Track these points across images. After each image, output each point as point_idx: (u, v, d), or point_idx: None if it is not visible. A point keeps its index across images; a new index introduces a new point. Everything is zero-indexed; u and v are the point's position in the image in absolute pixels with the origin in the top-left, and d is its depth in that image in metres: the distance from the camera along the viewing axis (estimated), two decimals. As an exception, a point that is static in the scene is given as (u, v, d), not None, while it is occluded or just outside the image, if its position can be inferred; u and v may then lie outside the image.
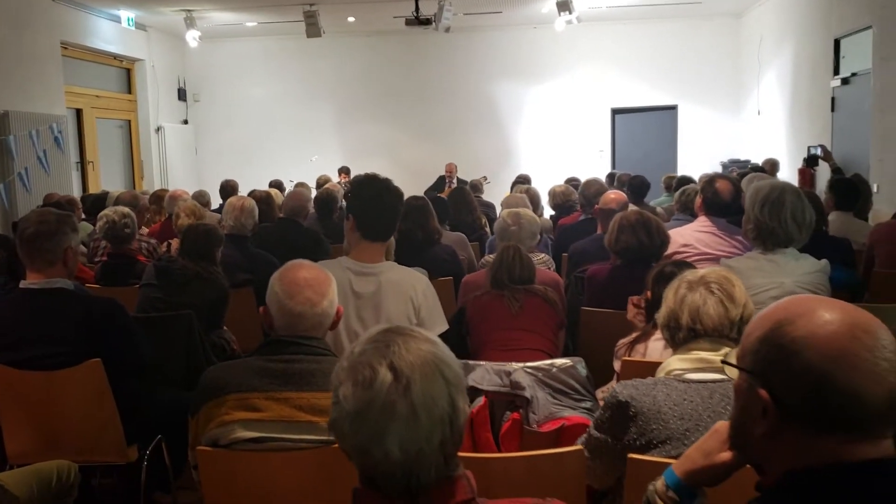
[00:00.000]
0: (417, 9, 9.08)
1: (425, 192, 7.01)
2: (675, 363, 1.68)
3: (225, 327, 3.62)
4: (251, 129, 11.94)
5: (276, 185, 7.98)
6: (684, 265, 2.29)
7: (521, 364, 2.54)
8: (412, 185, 8.16)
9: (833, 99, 7.61)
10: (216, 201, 7.25)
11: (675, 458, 1.31)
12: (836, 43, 7.53)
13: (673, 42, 11.14)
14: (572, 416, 2.37)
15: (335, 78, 11.87)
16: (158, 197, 6.19)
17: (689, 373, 1.64)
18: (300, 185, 7.60)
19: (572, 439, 2.03)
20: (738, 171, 7.19)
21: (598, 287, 3.24)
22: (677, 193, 4.85)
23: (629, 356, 2.35)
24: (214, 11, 9.90)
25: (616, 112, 11.62)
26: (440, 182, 9.62)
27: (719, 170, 9.25)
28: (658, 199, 6.86)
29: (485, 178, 9.17)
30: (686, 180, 6.06)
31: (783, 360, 0.94)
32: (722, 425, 1.16)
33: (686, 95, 11.31)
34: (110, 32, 9.73)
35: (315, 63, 11.73)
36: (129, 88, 10.73)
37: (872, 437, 0.93)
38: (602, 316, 3.09)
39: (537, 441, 2.35)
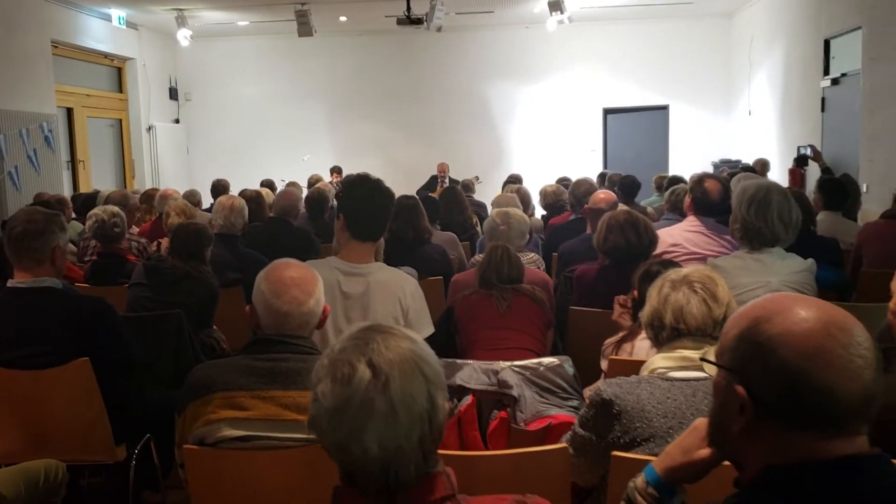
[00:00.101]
0: (409, 8, 9.08)
1: (417, 192, 7.01)
2: (659, 362, 1.69)
3: (215, 327, 3.62)
4: (243, 128, 11.92)
5: (268, 184, 7.97)
6: (670, 264, 2.30)
7: (508, 363, 2.55)
8: (404, 184, 8.17)
9: (823, 99, 7.65)
10: (208, 201, 7.23)
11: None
12: (826, 43, 7.57)
13: (664, 42, 11.17)
14: (559, 415, 2.38)
15: (327, 77, 11.87)
16: (149, 196, 6.17)
17: (673, 371, 1.65)
18: (291, 184, 7.59)
19: (559, 437, 2.04)
20: (729, 171, 7.23)
21: (587, 286, 3.25)
22: (667, 193, 4.87)
23: (616, 355, 2.36)
24: (206, 10, 9.88)
25: (608, 112, 11.66)
26: (432, 182, 9.63)
27: (710, 170, 9.29)
28: (649, 199, 6.89)
29: (477, 177, 9.18)
30: (676, 180, 6.08)
31: (759, 357, 0.96)
32: (701, 422, 1.17)
33: (677, 95, 11.35)
34: (101, 31, 9.69)
35: (307, 62, 11.72)
36: (121, 87, 10.69)
37: (847, 434, 0.94)
38: (590, 315, 3.10)
39: (525, 439, 2.36)
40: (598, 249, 3.25)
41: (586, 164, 10.67)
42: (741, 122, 10.73)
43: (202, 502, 1.87)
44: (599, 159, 11.50)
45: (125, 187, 9.58)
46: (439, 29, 9.44)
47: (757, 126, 10.00)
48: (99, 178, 9.75)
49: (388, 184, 2.59)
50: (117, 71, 10.63)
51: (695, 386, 1.60)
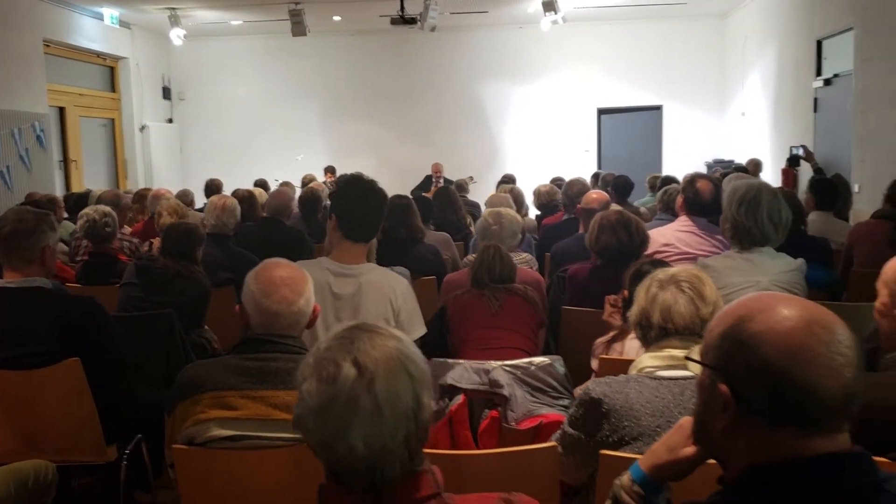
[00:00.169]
0: (403, 8, 9.08)
1: (412, 192, 7.01)
2: (647, 361, 1.70)
3: (206, 327, 3.61)
4: (237, 128, 11.90)
5: (261, 184, 7.96)
6: (660, 264, 2.31)
7: (499, 362, 2.55)
8: (398, 184, 8.17)
9: (815, 100, 7.68)
10: (201, 200, 7.22)
11: (647, 454, 1.31)
12: (819, 44, 7.60)
13: (658, 42, 11.20)
14: (550, 414, 2.39)
15: (321, 77, 11.86)
16: (141, 196, 6.16)
17: (661, 370, 1.66)
18: (285, 184, 7.59)
19: (550, 436, 2.05)
20: (722, 171, 7.25)
21: (579, 286, 3.25)
22: (659, 193, 4.88)
23: (606, 355, 2.37)
24: (199, 10, 9.86)
25: (602, 112, 11.68)
26: (427, 182, 9.64)
27: (704, 170, 9.32)
28: (642, 199, 6.90)
29: (471, 177, 9.19)
30: (669, 180, 6.10)
31: (742, 356, 0.96)
32: (686, 421, 1.17)
33: (671, 96, 11.38)
34: (94, 30, 9.66)
35: (301, 62, 11.71)
36: (113, 87, 10.66)
37: (829, 431, 0.94)
38: (582, 315, 3.10)
39: (516, 438, 2.36)
40: (590, 249, 3.26)
41: (580, 164, 10.69)
42: (734, 122, 10.76)
43: (192, 502, 1.87)
44: (593, 159, 11.52)
45: (118, 187, 9.56)
46: (433, 29, 9.45)
47: (750, 126, 10.04)
48: (91, 177, 9.72)
49: (382, 184, 2.59)
50: (110, 70, 10.60)
51: (683, 385, 1.61)
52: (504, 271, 2.95)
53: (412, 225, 3.98)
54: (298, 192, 6.84)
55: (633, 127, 11.64)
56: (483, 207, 5.83)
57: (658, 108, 11.53)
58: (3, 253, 2.59)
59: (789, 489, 0.93)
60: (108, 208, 4.11)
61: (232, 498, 1.82)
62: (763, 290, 2.53)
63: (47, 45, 8.63)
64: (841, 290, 3.83)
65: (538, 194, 6.28)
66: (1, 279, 2.61)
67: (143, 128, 10.88)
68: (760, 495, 0.95)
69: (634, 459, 1.29)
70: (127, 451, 2.74)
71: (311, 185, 7.11)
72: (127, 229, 5.25)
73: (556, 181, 7.18)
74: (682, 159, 10.74)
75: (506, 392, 2.46)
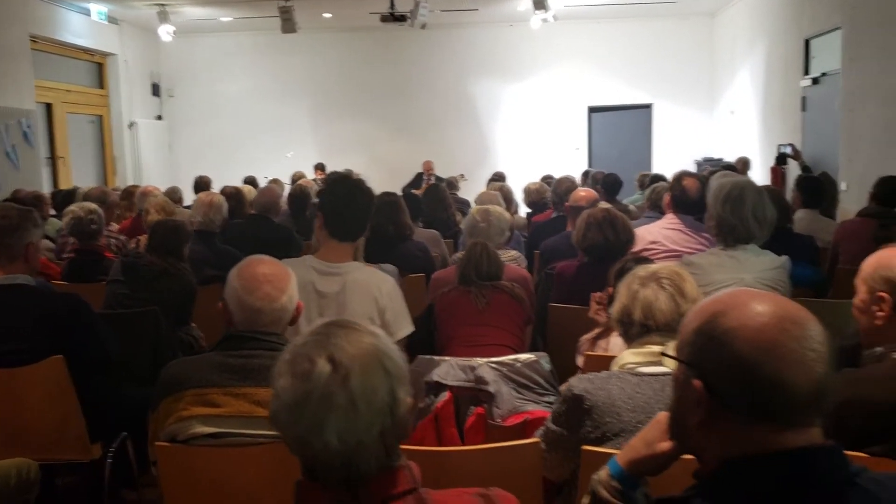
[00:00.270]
0: (393, 5, 9.07)
1: (402, 190, 7.01)
2: (629, 357, 1.71)
3: (193, 324, 3.60)
4: (227, 125, 11.85)
5: (250, 181, 7.93)
6: (644, 261, 2.31)
7: (485, 359, 2.56)
8: (389, 181, 8.17)
9: (804, 98, 7.72)
10: (190, 198, 7.18)
11: (627, 450, 1.32)
12: (807, 43, 7.64)
13: (648, 41, 11.24)
14: (535, 410, 2.39)
15: (311, 74, 11.83)
16: (129, 193, 6.13)
17: (642, 366, 1.67)
18: (274, 181, 7.57)
19: (535, 433, 2.05)
20: (711, 169, 7.28)
21: (566, 283, 3.26)
22: (647, 191, 4.90)
23: (592, 351, 2.37)
24: (188, 6, 9.81)
25: (592, 110, 11.70)
26: (418, 179, 9.65)
27: (693, 168, 9.36)
28: (631, 197, 6.92)
29: (462, 175, 9.20)
30: (658, 178, 6.12)
31: (715, 351, 0.97)
32: (663, 416, 1.18)
33: (661, 94, 11.42)
34: (81, 26, 9.60)
35: (291, 59, 11.67)
36: (101, 83, 10.60)
37: (801, 426, 0.95)
38: (569, 312, 3.11)
39: (501, 435, 2.36)
40: (577, 247, 3.27)
41: (571, 162, 10.72)
42: (724, 120, 10.80)
43: (175, 499, 1.87)
44: (584, 157, 11.55)
45: (106, 184, 9.50)
46: (423, 26, 9.44)
47: (739, 125, 10.08)
48: (80, 174, 9.67)
49: (372, 181, 2.60)
50: (98, 66, 10.54)
51: (663, 381, 1.61)
52: (491, 269, 2.95)
53: (400, 222, 3.98)
54: (288, 189, 6.83)
55: (623, 125, 11.68)
56: (473, 205, 5.84)
57: (648, 107, 11.56)
58: (-15, 250, 2.57)
59: (762, 483, 0.94)
60: (93, 205, 4.09)
61: (215, 495, 1.82)
62: (747, 287, 2.55)
63: (34, 41, 8.56)
64: (827, 287, 3.86)
65: (528, 192, 6.29)
66: (-16, 276, 2.58)
67: (131, 125, 10.82)
68: (733, 489, 0.95)
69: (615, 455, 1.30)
70: (112, 449, 2.73)
71: (300, 182, 7.09)
72: (115, 226, 5.22)
73: (547, 179, 7.20)
74: (672, 157, 10.78)
75: (491, 389, 2.46)
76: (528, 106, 11.65)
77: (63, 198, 6.22)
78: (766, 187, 3.85)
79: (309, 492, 1.05)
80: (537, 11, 9.29)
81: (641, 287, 1.72)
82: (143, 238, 4.31)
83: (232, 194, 5.15)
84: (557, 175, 6.77)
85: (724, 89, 10.79)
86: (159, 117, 11.81)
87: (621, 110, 11.64)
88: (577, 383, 1.67)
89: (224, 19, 10.86)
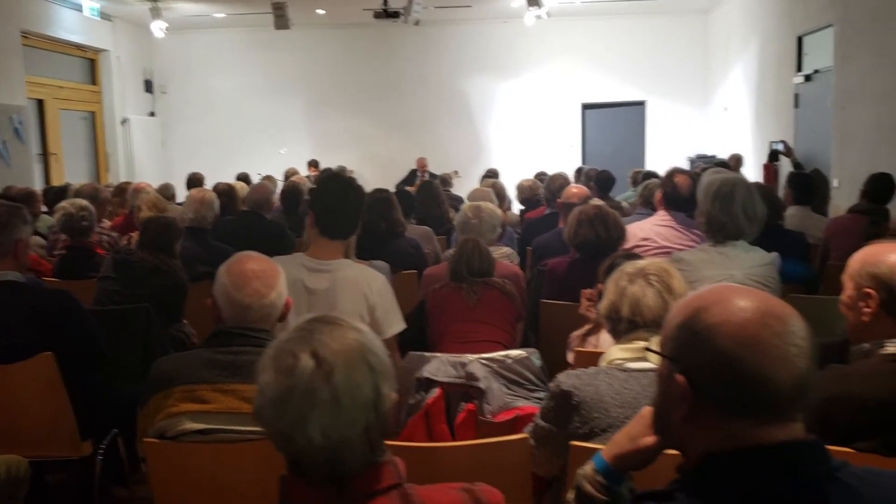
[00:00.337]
0: (386, 2, 9.06)
1: (396, 186, 7.00)
2: (617, 353, 1.71)
3: (185, 321, 3.59)
4: (220, 121, 11.82)
5: (243, 178, 7.91)
6: (633, 257, 2.32)
7: (476, 355, 2.56)
8: (382, 178, 8.17)
9: (796, 95, 7.74)
10: (183, 195, 7.16)
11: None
12: (800, 40, 7.66)
13: (642, 38, 11.25)
14: (526, 406, 2.40)
15: (304, 71, 11.80)
16: (121, 189, 6.11)
17: (630, 362, 1.67)
18: (267, 178, 7.55)
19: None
20: (704, 165, 7.30)
21: (558, 280, 3.27)
22: (640, 188, 4.91)
23: (582, 348, 2.38)
24: (181, 2, 9.78)
25: (586, 107, 11.71)
26: (411, 176, 9.65)
27: (686, 165, 9.38)
28: (624, 194, 6.94)
29: (455, 172, 9.21)
30: (650, 175, 6.14)
31: (698, 346, 0.97)
32: (647, 410, 1.18)
33: (654, 91, 11.44)
34: (73, 22, 9.54)
35: (284, 56, 11.64)
36: (94, 79, 10.55)
37: (783, 421, 0.96)
38: (560, 308, 3.12)
39: (492, 431, 2.37)
40: (568, 243, 3.27)
41: (565, 159, 10.72)
42: (717, 117, 10.83)
43: (164, 495, 1.87)
44: (578, 154, 11.56)
45: (99, 181, 9.47)
46: (417, 23, 9.43)
47: (732, 121, 10.10)
48: (72, 171, 9.62)
49: (366, 178, 2.61)
50: (90, 63, 10.49)
51: (651, 376, 1.61)
52: (482, 265, 2.95)
53: (392, 218, 3.98)
54: (281, 185, 6.81)
55: (617, 122, 11.69)
56: (466, 202, 5.83)
57: (642, 104, 11.58)
58: (-25, 246, 2.55)
59: (744, 477, 0.94)
60: (84, 202, 4.07)
61: (204, 491, 1.82)
62: (737, 283, 2.56)
63: (25, 37, 8.52)
64: (817, 283, 3.87)
65: (521, 189, 6.29)
66: (-27, 273, 2.57)
67: (124, 121, 10.78)
68: (716, 483, 0.96)
69: (603, 450, 1.30)
70: (102, 446, 2.72)
71: (293, 178, 7.08)
72: (107, 223, 5.20)
73: (540, 176, 7.20)
74: (665, 154, 10.80)
75: (482, 385, 2.46)
76: (522, 103, 11.65)
77: (55, 194, 6.19)
78: (756, 184, 3.87)
79: (293, 487, 1.05)
80: (531, 8, 9.29)
81: (629, 283, 1.73)
82: (135, 235, 4.30)
83: (224, 191, 5.13)
84: (551, 172, 6.77)
85: (717, 86, 10.81)
86: (152, 114, 11.76)
87: (615, 107, 11.65)
88: (565, 379, 1.68)
89: (217, 15, 10.82)
